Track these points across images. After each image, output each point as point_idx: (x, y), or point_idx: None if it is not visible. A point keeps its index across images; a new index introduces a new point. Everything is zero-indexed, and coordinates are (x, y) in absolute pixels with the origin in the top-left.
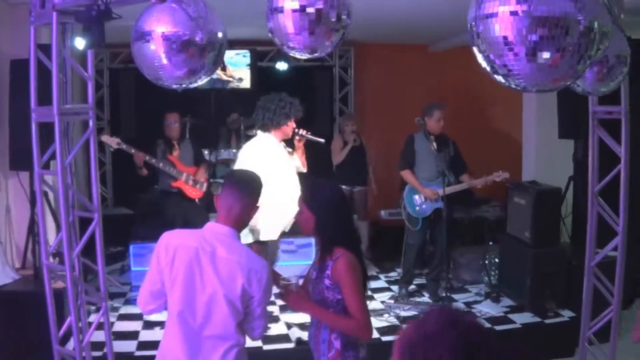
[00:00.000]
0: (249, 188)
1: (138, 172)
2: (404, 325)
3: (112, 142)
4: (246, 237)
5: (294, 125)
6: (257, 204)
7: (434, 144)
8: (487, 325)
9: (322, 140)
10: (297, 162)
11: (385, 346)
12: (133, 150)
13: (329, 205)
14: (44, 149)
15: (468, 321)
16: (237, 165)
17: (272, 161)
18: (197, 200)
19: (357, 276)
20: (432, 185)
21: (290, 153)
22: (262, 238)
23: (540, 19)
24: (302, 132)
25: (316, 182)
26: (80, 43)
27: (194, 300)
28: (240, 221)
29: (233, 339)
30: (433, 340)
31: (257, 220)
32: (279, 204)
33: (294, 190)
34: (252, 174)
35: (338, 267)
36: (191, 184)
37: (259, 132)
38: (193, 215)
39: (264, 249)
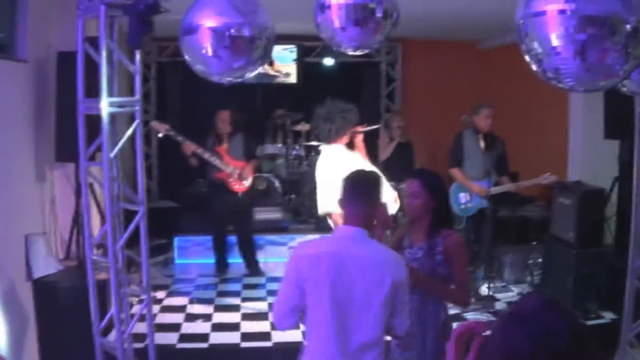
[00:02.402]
0: (367, 188)
1: (188, 161)
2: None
3: (161, 128)
4: None
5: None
6: (381, 202)
7: (482, 142)
8: None
9: (377, 125)
10: None
11: None
12: (180, 138)
13: (444, 192)
14: (90, 141)
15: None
16: (321, 185)
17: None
18: (239, 194)
19: (465, 252)
20: (479, 183)
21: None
22: None
23: (589, 18)
24: (358, 128)
25: (432, 172)
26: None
27: (344, 306)
28: (369, 221)
29: (380, 345)
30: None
31: None
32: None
33: (387, 185)
34: (366, 174)
35: (453, 243)
36: (236, 177)
37: (324, 145)
38: (235, 207)
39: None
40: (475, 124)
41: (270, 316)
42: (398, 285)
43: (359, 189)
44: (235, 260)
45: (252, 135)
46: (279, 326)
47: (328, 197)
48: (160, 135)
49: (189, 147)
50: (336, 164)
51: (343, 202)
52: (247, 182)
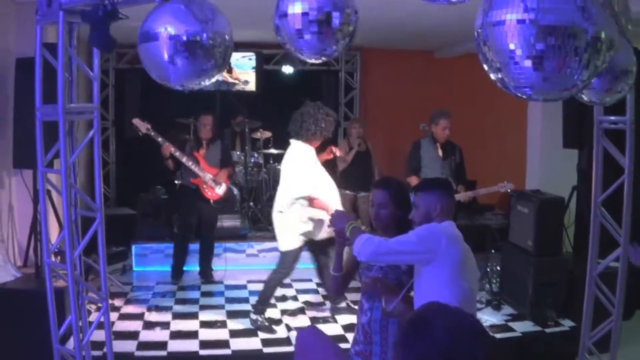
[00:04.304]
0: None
1: (164, 163)
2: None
3: (142, 126)
4: (296, 238)
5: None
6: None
7: (440, 151)
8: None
9: (346, 163)
10: None
11: None
12: (160, 139)
13: (409, 202)
14: (48, 148)
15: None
16: (292, 175)
17: (320, 171)
18: (212, 201)
19: None
20: None
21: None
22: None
23: (547, 27)
24: (336, 151)
25: (398, 181)
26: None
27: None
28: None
29: None
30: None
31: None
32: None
33: (337, 197)
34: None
35: None
36: (210, 184)
37: (298, 141)
38: (206, 214)
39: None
40: (433, 133)
41: (229, 323)
42: None
43: (445, 189)
44: (189, 267)
45: (229, 143)
46: (360, 250)
47: (285, 197)
48: (140, 133)
49: (168, 148)
50: (311, 162)
51: (449, 201)
52: (221, 190)
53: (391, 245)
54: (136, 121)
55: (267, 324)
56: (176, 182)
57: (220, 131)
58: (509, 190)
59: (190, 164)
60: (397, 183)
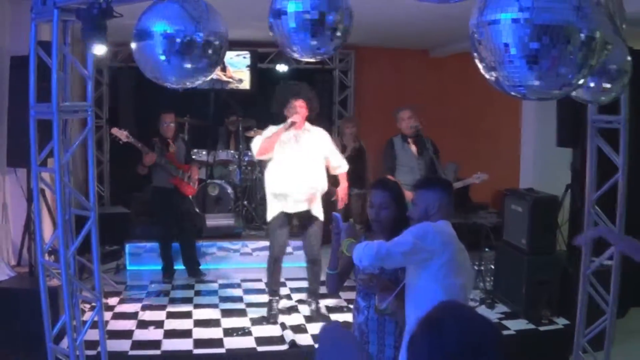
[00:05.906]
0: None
1: (138, 169)
2: None
3: (122, 135)
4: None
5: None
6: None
7: (413, 147)
8: None
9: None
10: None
11: None
12: (140, 145)
13: (405, 201)
14: (42, 146)
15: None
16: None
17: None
18: (190, 197)
19: None
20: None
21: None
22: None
23: (542, 27)
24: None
25: (394, 181)
26: (99, 49)
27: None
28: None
29: None
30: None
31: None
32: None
33: (296, 176)
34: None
35: None
36: (186, 180)
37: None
38: (187, 210)
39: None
40: (401, 130)
41: (223, 322)
42: None
43: (443, 189)
44: (181, 266)
45: (197, 140)
46: (366, 260)
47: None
48: (121, 142)
49: (152, 157)
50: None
51: (448, 201)
52: (195, 185)
53: (390, 248)
54: (115, 130)
55: (274, 312)
56: (151, 184)
57: (184, 129)
58: (478, 181)
59: (167, 165)
60: (395, 183)
